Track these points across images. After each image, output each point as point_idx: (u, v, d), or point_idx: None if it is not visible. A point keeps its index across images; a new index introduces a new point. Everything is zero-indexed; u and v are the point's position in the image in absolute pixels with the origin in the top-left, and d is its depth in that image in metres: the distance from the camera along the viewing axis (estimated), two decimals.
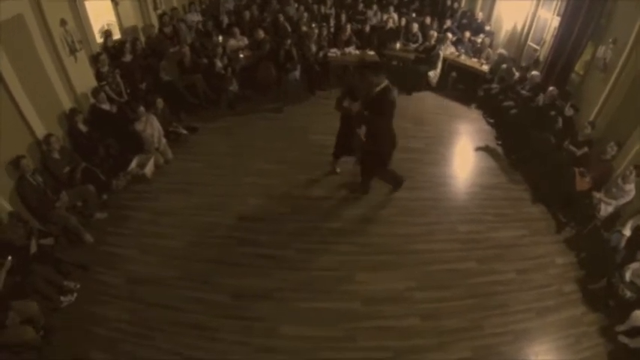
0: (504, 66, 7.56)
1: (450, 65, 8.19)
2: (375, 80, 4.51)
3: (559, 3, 7.12)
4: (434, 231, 4.92)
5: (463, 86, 8.12)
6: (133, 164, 5.76)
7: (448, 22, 9.07)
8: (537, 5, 7.75)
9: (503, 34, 8.77)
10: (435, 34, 8.34)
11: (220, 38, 8.08)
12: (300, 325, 3.86)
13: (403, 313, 4.00)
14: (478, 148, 6.41)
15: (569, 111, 6.05)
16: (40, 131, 5.08)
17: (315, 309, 4.01)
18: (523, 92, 6.91)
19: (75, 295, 4.26)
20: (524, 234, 5.00)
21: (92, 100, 6.05)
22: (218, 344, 3.73)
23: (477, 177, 5.85)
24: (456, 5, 10.05)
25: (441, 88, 8.06)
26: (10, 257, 3.96)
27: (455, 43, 8.46)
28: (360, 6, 9.92)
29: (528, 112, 6.50)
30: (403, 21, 8.88)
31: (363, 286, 4.23)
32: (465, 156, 6.34)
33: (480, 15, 9.26)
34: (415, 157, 6.13)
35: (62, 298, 4.19)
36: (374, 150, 4.93)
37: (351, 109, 4.89)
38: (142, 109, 5.83)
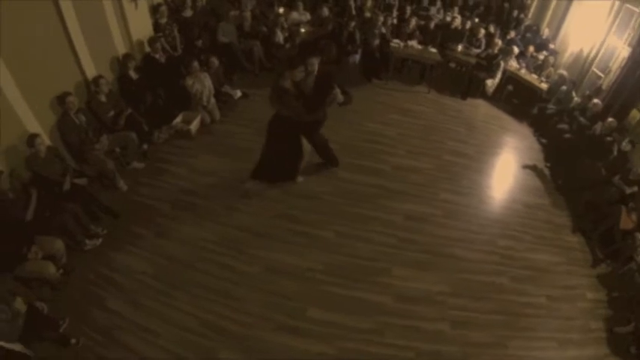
0: (564, 88, 7.17)
1: (508, 78, 7.82)
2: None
3: (632, 33, 6.66)
4: (473, 239, 4.74)
5: (518, 101, 7.76)
6: (178, 119, 5.67)
7: (512, 34, 8.63)
8: (608, 31, 7.29)
9: (567, 55, 8.30)
10: (499, 42, 7.95)
11: (281, 10, 7.86)
12: (329, 311, 3.75)
13: (434, 316, 3.87)
14: (526, 166, 6.14)
15: (626, 146, 5.68)
16: (91, 72, 5.01)
17: (346, 296, 3.90)
18: (581, 119, 6.55)
19: (100, 240, 4.21)
20: (559, 261, 4.77)
21: (147, 50, 5.92)
22: (241, 315, 3.66)
23: (521, 194, 5.60)
24: (522, 17, 9.56)
25: (496, 98, 7.71)
26: (35, 189, 3.90)
27: (517, 57, 8.06)
28: (425, 1, 9.54)
29: (583, 139, 6.16)
30: (468, 24, 8.46)
31: (398, 282, 4.10)
32: (511, 170, 6.08)
33: (545, 31, 8.77)
34: (464, 163, 5.91)
35: (87, 241, 4.13)
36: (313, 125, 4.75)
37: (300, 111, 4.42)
38: (196, 64, 5.68)
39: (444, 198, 5.23)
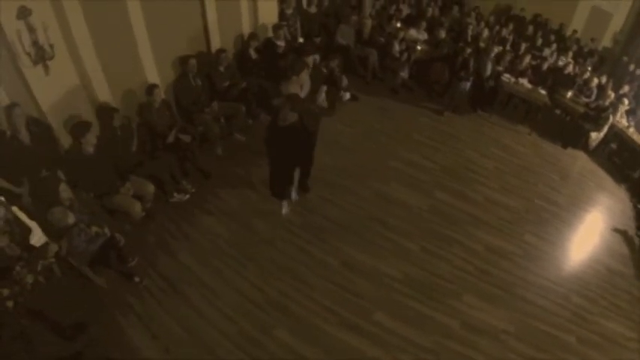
0: None
1: (614, 134, 7.33)
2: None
3: None
4: (548, 288, 4.58)
5: (620, 161, 7.26)
6: None
7: (626, 88, 7.98)
8: None
9: None
10: (612, 95, 7.46)
11: (398, 24, 7.90)
12: (395, 319, 3.78)
13: (492, 354, 3.78)
14: (615, 230, 5.76)
15: None
16: (215, 44, 5.33)
17: (415, 309, 3.93)
18: None
19: (187, 196, 4.39)
20: (632, 337, 4.44)
21: (270, 35, 6.15)
22: (307, 301, 3.73)
23: (605, 257, 5.29)
24: (638, 72, 8.84)
25: (597, 154, 7.27)
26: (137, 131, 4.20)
27: (627, 113, 7.52)
28: (539, 41, 9.13)
29: None
30: (585, 75, 8.00)
31: (467, 309, 4.09)
32: (599, 230, 5.75)
33: None
34: (553, 210, 5.69)
35: (176, 194, 4.34)
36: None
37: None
38: (317, 57, 5.64)
39: (527, 240, 5.09)
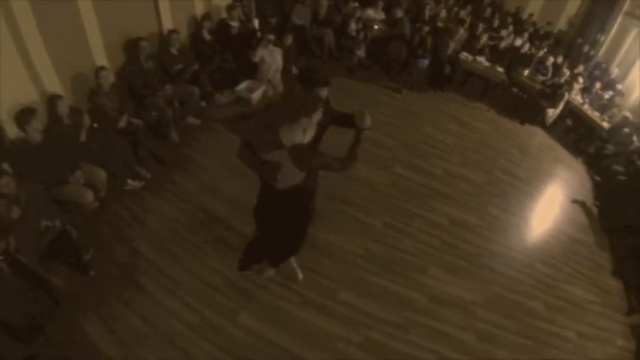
0: (626, 130, 6.82)
1: (570, 111, 7.50)
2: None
3: None
4: (513, 258, 4.58)
5: (576, 136, 7.43)
6: (242, 86, 5.68)
7: (580, 68, 8.24)
8: None
9: (634, 98, 7.88)
10: (567, 72, 7.64)
11: (356, 4, 7.78)
12: (360, 297, 3.65)
13: (462, 324, 3.73)
14: (575, 201, 5.87)
15: None
16: (167, 25, 5.11)
17: (379, 285, 3.81)
18: (639, 163, 6.22)
19: (142, 183, 4.19)
20: (595, 300, 4.53)
21: (224, 15, 5.99)
22: (270, 283, 3.58)
23: (567, 227, 5.36)
24: (592, 53, 9.14)
25: (553, 130, 7.41)
26: (88, 117, 3.90)
27: (582, 91, 7.72)
28: (496, 22, 9.26)
29: (638, 183, 5.86)
30: (540, 53, 8.16)
31: (433, 282, 3.99)
32: (560, 202, 5.84)
33: (615, 71, 8.39)
34: (514, 183, 5.73)
35: (130, 180, 4.12)
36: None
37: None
38: (272, 37, 5.68)
39: (490, 212, 5.08)
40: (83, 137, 3.86)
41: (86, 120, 3.88)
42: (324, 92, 2.67)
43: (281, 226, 2.99)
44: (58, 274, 3.30)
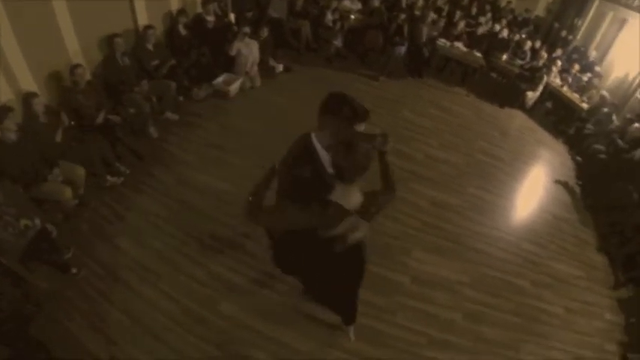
0: (605, 110, 6.87)
1: (550, 93, 7.54)
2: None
3: None
4: (498, 238, 4.56)
5: (555, 118, 7.47)
6: (220, 79, 5.63)
7: (558, 52, 8.32)
8: None
9: (611, 79, 7.98)
10: (545, 55, 7.69)
11: None
12: None
13: (448, 305, 3.70)
14: (557, 181, 5.89)
15: None
16: (143, 20, 5.04)
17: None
18: (619, 142, 6.25)
19: (121, 179, 4.15)
20: (581, 276, 4.54)
21: (199, 10, 5.94)
22: (252, 272, 3.52)
23: (550, 206, 5.37)
24: (570, 37, 9.23)
25: (533, 112, 7.45)
26: (65, 114, 3.83)
27: (561, 73, 7.78)
28: (474, 10, 9.30)
29: (618, 161, 5.89)
30: (516, 37, 8.20)
31: (418, 264, 3.95)
32: (542, 182, 5.87)
33: (593, 53, 8.47)
34: (495, 164, 5.73)
35: (109, 177, 4.08)
36: None
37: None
38: (247, 29, 5.65)
39: (472, 192, 5.06)
40: (59, 136, 3.79)
41: (64, 119, 3.82)
42: (361, 127, 2.28)
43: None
44: (40, 275, 3.23)
